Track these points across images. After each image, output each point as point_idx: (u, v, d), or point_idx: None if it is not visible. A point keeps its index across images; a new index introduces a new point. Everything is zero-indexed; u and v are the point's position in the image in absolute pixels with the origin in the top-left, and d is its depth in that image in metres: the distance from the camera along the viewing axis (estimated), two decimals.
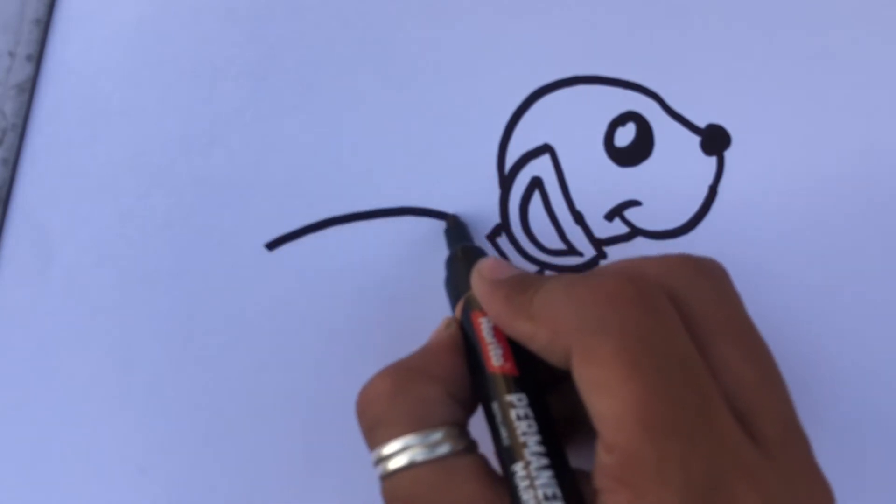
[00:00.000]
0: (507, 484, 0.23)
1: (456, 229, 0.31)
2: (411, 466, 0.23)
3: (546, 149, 0.33)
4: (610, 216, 0.32)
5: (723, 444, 0.21)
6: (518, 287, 0.25)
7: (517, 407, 0.23)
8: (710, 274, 0.25)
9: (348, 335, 0.31)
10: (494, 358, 0.25)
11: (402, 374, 0.25)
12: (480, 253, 0.29)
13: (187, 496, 0.31)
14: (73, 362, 0.31)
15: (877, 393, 0.32)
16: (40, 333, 0.31)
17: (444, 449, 0.23)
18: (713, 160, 0.33)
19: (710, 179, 0.33)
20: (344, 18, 0.33)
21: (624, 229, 0.32)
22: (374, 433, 0.24)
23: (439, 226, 0.32)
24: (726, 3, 0.33)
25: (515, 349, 0.25)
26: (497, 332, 0.25)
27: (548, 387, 0.25)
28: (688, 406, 0.21)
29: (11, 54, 0.32)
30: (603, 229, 0.32)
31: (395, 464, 0.24)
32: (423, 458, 0.23)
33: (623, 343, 0.22)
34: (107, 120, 0.32)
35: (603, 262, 0.32)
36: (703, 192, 0.32)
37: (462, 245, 0.30)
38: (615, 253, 0.32)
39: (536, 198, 0.32)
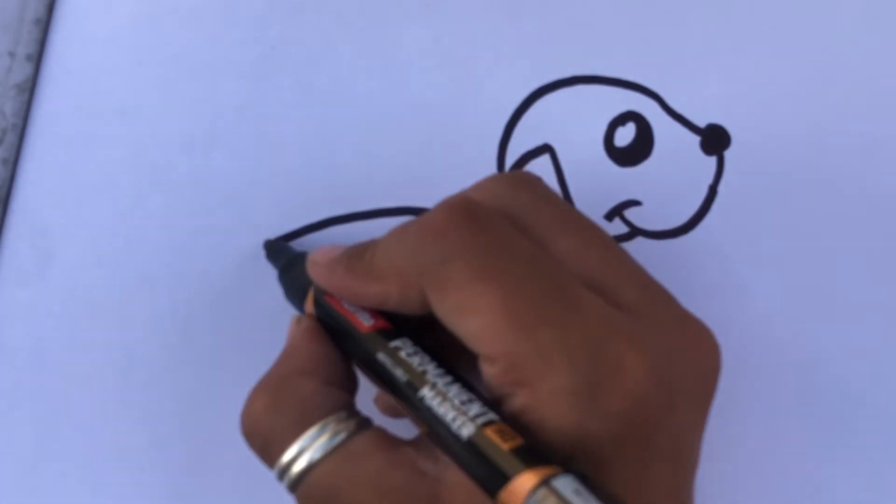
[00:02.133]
0: (417, 417, 0.23)
1: (275, 249, 0.31)
2: (312, 466, 0.23)
3: (546, 149, 0.33)
4: (610, 216, 0.32)
5: (591, 317, 0.22)
6: (354, 256, 0.25)
7: (403, 348, 0.24)
8: (526, 184, 0.25)
9: None
10: (364, 320, 0.25)
11: (274, 384, 0.25)
12: (305, 255, 0.29)
13: (187, 496, 0.31)
14: (73, 362, 0.31)
15: (877, 393, 0.32)
16: (40, 333, 0.31)
17: (339, 437, 0.23)
18: (713, 160, 0.33)
19: (710, 179, 0.33)
20: (344, 18, 0.33)
21: (624, 229, 0.32)
22: (268, 450, 0.24)
23: None
24: (726, 3, 0.33)
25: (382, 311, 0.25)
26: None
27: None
28: (547, 295, 0.22)
29: (11, 54, 0.32)
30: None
31: (297, 468, 0.23)
32: (321, 453, 0.23)
33: (468, 263, 0.22)
34: (107, 120, 0.32)
35: None
36: (703, 192, 0.32)
37: (286, 256, 0.30)
38: None
39: None
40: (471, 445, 0.22)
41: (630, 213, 0.32)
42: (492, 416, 0.22)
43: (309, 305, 0.27)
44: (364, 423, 0.24)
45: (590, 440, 0.21)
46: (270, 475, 0.31)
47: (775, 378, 0.31)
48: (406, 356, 0.24)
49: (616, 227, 0.32)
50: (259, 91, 0.33)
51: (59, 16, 0.33)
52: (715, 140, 0.33)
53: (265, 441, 0.24)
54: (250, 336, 0.32)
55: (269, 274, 0.31)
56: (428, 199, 0.32)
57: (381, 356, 0.24)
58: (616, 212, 0.32)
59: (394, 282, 0.24)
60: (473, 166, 0.32)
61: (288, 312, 0.32)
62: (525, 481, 0.21)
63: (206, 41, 0.33)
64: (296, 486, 0.23)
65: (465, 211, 0.23)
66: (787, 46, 0.33)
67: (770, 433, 0.31)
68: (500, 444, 0.21)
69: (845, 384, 0.32)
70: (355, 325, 0.25)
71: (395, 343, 0.24)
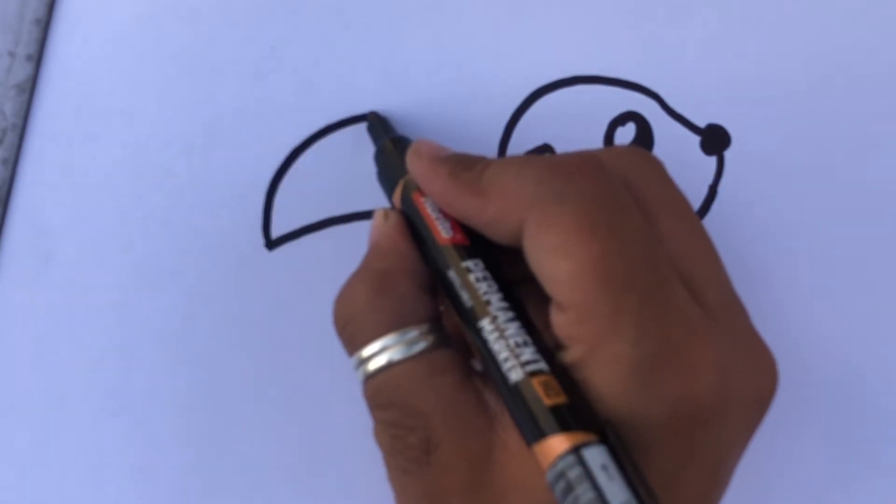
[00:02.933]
0: (474, 347, 0.23)
1: (379, 124, 0.30)
2: (391, 365, 0.24)
3: (546, 149, 0.33)
4: None
5: (674, 303, 0.22)
6: (463, 163, 0.25)
7: (474, 271, 0.23)
8: (652, 162, 0.26)
9: None
10: (444, 231, 0.24)
11: (377, 278, 0.25)
12: (410, 143, 0.28)
13: (187, 496, 0.31)
14: (73, 362, 0.31)
15: (877, 393, 0.32)
16: (40, 333, 0.31)
17: (421, 345, 0.24)
18: (713, 160, 0.33)
19: (710, 179, 0.33)
20: (344, 18, 0.33)
21: None
22: (354, 339, 0.25)
23: None
24: (726, 3, 0.33)
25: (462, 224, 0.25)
26: (441, 208, 0.25)
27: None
28: (643, 266, 0.22)
29: (11, 54, 0.32)
30: None
31: (375, 364, 0.24)
32: (402, 356, 0.24)
33: (583, 208, 0.22)
34: (107, 120, 0.32)
35: None
36: (703, 192, 0.32)
37: (390, 136, 0.29)
38: None
39: None
40: (516, 391, 0.21)
41: None
42: (542, 365, 0.22)
43: (397, 197, 0.26)
44: (447, 341, 0.24)
45: (635, 416, 0.21)
46: (270, 474, 0.31)
47: None
48: (475, 280, 0.23)
49: None
50: (259, 91, 0.33)
51: (59, 16, 0.33)
52: (715, 140, 0.33)
53: (354, 328, 0.25)
54: (250, 336, 0.32)
55: (270, 274, 0.31)
56: None
57: (452, 274, 0.24)
58: None
59: (498, 202, 0.23)
60: None
61: (287, 315, 0.32)
62: (557, 444, 0.20)
63: (206, 41, 0.33)
64: (369, 378, 0.24)
65: (593, 167, 0.23)
66: (787, 46, 0.33)
67: (769, 432, 0.31)
68: (543, 399, 0.21)
69: (846, 383, 0.32)
70: (434, 234, 0.25)
71: (467, 263, 0.24)
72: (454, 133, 0.33)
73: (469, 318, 0.23)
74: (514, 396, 0.21)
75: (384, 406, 0.24)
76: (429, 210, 0.25)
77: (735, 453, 0.24)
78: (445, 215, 0.25)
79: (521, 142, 0.33)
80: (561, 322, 0.22)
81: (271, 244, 0.32)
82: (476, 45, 0.33)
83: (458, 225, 0.25)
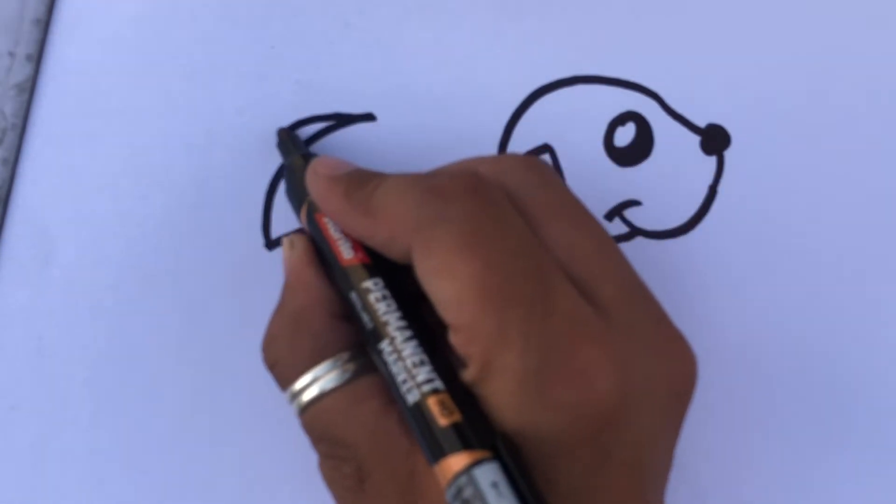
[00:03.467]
0: (380, 368, 0.23)
1: (289, 140, 0.30)
2: (321, 397, 0.25)
3: (546, 149, 0.33)
4: (610, 216, 0.32)
5: (560, 307, 0.22)
6: (357, 183, 0.25)
7: (374, 291, 0.24)
8: (533, 166, 0.26)
9: None
10: (345, 251, 0.25)
11: (289, 316, 0.26)
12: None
13: (187, 496, 0.31)
14: (73, 362, 0.31)
15: (877, 393, 0.32)
16: (40, 333, 0.31)
17: (344, 375, 0.24)
18: (713, 160, 0.33)
19: (710, 179, 0.33)
20: (344, 18, 0.33)
21: (624, 229, 0.32)
22: (284, 377, 0.26)
23: None
24: (726, 3, 0.33)
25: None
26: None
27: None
28: (525, 277, 0.22)
29: (11, 54, 0.32)
30: None
31: (307, 396, 0.25)
32: (329, 387, 0.24)
33: (461, 229, 0.23)
34: (107, 120, 0.32)
35: None
36: (703, 192, 0.32)
37: (300, 153, 0.29)
38: None
39: None
40: (416, 411, 0.22)
41: (630, 213, 0.32)
42: (437, 384, 0.22)
43: (302, 217, 0.27)
44: (368, 366, 0.25)
45: (534, 428, 0.21)
46: (270, 474, 0.31)
47: (775, 378, 0.31)
48: (374, 301, 0.24)
49: (616, 227, 0.32)
50: (259, 91, 0.33)
51: (59, 16, 0.33)
52: (715, 140, 0.33)
53: (282, 369, 0.26)
54: (250, 336, 0.31)
55: (270, 273, 0.31)
56: None
57: (353, 295, 0.24)
58: (616, 212, 0.32)
59: (385, 224, 0.24)
60: None
61: None
62: (454, 463, 0.21)
63: (206, 41, 0.33)
64: (303, 412, 0.25)
65: (470, 181, 0.24)
66: (787, 46, 0.33)
67: (770, 433, 0.31)
68: (438, 418, 0.21)
69: (846, 384, 0.32)
70: (336, 255, 0.25)
71: (367, 283, 0.24)
72: (454, 133, 0.33)
73: (371, 340, 0.24)
74: (414, 417, 0.22)
75: (318, 439, 0.25)
76: (331, 231, 0.26)
77: (658, 448, 0.23)
78: (348, 235, 0.25)
79: (521, 142, 0.33)
80: (455, 341, 0.22)
81: (271, 244, 0.32)
82: (476, 45, 0.33)
83: (360, 244, 0.25)
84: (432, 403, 0.22)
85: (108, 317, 0.31)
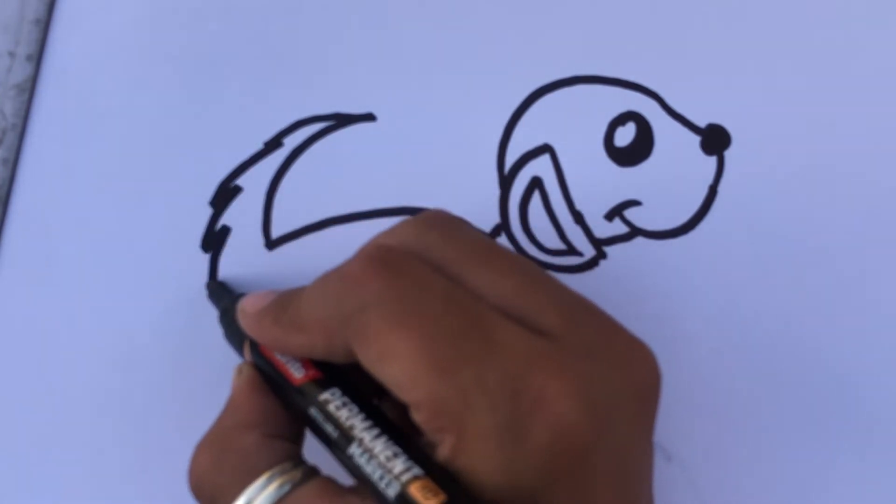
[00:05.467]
0: (350, 473, 0.23)
1: (218, 288, 0.31)
2: None
3: (546, 149, 0.33)
4: (610, 216, 0.32)
5: (509, 350, 0.22)
6: (281, 306, 0.25)
7: (332, 401, 0.24)
8: (436, 223, 0.25)
9: None
10: (296, 372, 0.25)
11: (217, 439, 0.25)
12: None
13: (187, 496, 0.31)
14: (73, 362, 0.31)
15: (877, 393, 0.32)
16: (40, 333, 0.31)
17: (283, 489, 0.23)
18: (713, 160, 0.33)
19: (710, 179, 0.33)
20: (344, 19, 0.33)
21: (624, 229, 0.32)
22: (212, 502, 0.24)
23: None
24: (726, 3, 0.33)
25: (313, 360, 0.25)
26: None
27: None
28: (464, 333, 0.22)
29: (11, 54, 0.32)
30: (603, 229, 0.32)
31: None
32: (270, 502, 0.23)
33: (384, 310, 0.22)
34: (107, 120, 0.32)
35: (603, 262, 0.32)
36: (703, 192, 0.32)
37: (230, 298, 0.29)
38: (615, 253, 0.32)
39: (536, 198, 0.32)
40: (399, 503, 0.22)
41: (630, 213, 0.32)
42: (416, 471, 0.22)
43: (246, 353, 0.27)
44: (310, 473, 0.24)
45: (520, 478, 0.21)
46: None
47: (775, 378, 0.31)
48: (335, 409, 0.23)
49: (616, 227, 0.32)
50: (260, 91, 0.33)
51: (59, 16, 0.33)
52: (715, 140, 0.33)
53: (212, 497, 0.24)
54: None
55: (270, 273, 0.31)
56: (428, 199, 0.32)
57: (313, 411, 0.24)
58: (616, 212, 0.32)
59: (318, 333, 0.24)
60: (473, 166, 0.32)
61: None
62: None
63: (206, 41, 0.33)
64: None
65: (379, 258, 0.23)
66: (787, 46, 0.33)
67: (770, 433, 0.31)
68: (423, 503, 0.21)
69: (846, 384, 0.32)
70: (287, 377, 0.25)
71: (324, 395, 0.24)
72: (454, 133, 0.33)
73: (338, 447, 0.23)
74: None
75: None
76: (278, 357, 0.25)
77: (638, 450, 0.23)
78: (295, 357, 0.25)
79: (521, 142, 0.33)
80: (421, 420, 0.22)
81: (271, 244, 0.32)
82: (476, 45, 0.33)
83: (309, 361, 0.25)
84: (415, 490, 0.21)
85: (108, 317, 0.31)
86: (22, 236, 0.32)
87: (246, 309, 0.26)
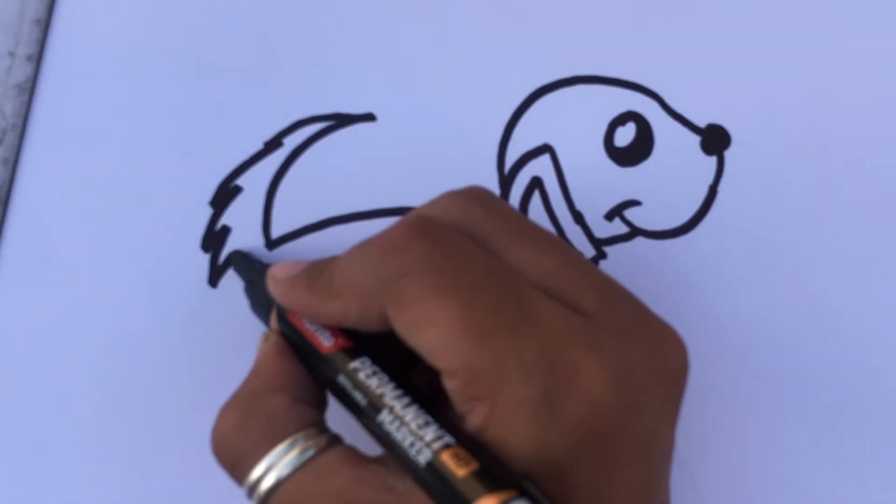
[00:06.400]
0: (379, 441, 0.23)
1: (242, 260, 0.31)
2: (280, 482, 0.23)
3: (546, 149, 0.33)
4: (610, 216, 0.32)
5: (547, 324, 0.22)
6: (314, 273, 0.25)
7: (362, 369, 0.24)
8: (478, 198, 0.25)
9: None
10: (325, 340, 0.25)
11: (243, 401, 0.25)
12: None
13: (187, 496, 0.31)
14: (74, 362, 0.31)
15: (877, 393, 0.32)
16: (40, 333, 0.31)
17: (307, 453, 0.23)
18: (713, 160, 0.33)
19: (710, 179, 0.33)
20: (344, 19, 0.33)
21: (624, 229, 0.32)
22: (238, 468, 0.24)
23: None
24: (726, 4, 0.33)
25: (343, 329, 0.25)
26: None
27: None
28: (504, 305, 0.22)
29: (11, 54, 0.32)
30: (603, 229, 0.32)
31: (265, 485, 0.23)
32: (289, 469, 0.23)
33: (425, 276, 0.22)
34: (107, 120, 0.32)
35: (603, 262, 0.32)
36: (703, 192, 0.32)
37: (255, 268, 0.29)
38: (615, 253, 0.32)
39: (536, 198, 0.32)
40: (429, 470, 0.21)
41: (630, 213, 0.32)
42: (448, 439, 0.22)
43: (273, 321, 0.27)
44: (334, 440, 0.24)
45: (551, 451, 0.21)
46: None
47: (774, 378, 0.31)
48: (365, 378, 0.23)
49: (616, 227, 0.32)
50: (260, 91, 0.33)
51: (59, 16, 0.33)
52: (715, 140, 0.33)
53: (234, 459, 0.24)
54: (252, 335, 0.31)
55: None
56: (428, 199, 0.32)
57: (342, 379, 0.24)
58: (616, 212, 0.32)
59: (353, 299, 0.24)
60: (473, 166, 0.32)
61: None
62: None
63: (206, 41, 0.33)
64: (265, 503, 0.23)
65: (422, 227, 0.23)
66: (787, 46, 0.33)
67: (769, 433, 0.31)
68: (455, 470, 0.21)
69: (845, 384, 0.32)
70: (315, 346, 0.25)
71: (354, 364, 0.24)
72: (454, 133, 0.33)
73: (368, 415, 0.23)
74: (430, 476, 0.22)
75: None
76: (306, 325, 0.25)
77: (664, 434, 0.24)
78: (324, 325, 0.25)
79: (521, 142, 0.33)
80: (454, 388, 0.22)
81: (271, 244, 0.32)
82: (476, 45, 0.33)
83: (338, 330, 0.25)
84: (447, 458, 0.21)
85: (108, 317, 0.31)
86: (22, 236, 0.32)
87: (277, 275, 0.26)
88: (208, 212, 0.32)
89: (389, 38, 0.33)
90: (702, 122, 0.33)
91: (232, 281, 0.32)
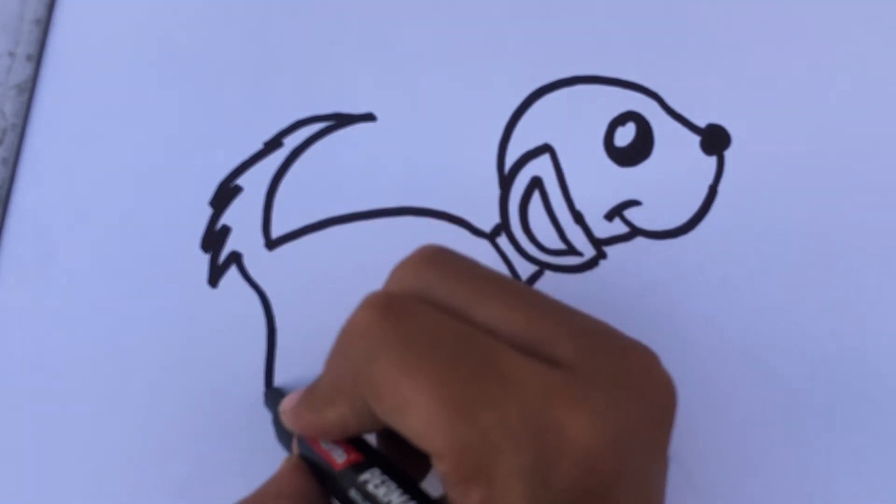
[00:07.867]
0: None
1: (274, 396, 0.31)
2: None
3: (546, 148, 0.33)
4: (610, 216, 0.32)
5: (525, 386, 0.21)
6: (310, 391, 0.25)
7: (371, 480, 0.24)
8: (431, 261, 0.24)
9: None
10: (337, 457, 0.25)
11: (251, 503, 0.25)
12: None
13: (187, 496, 0.31)
14: (73, 362, 0.31)
15: (877, 393, 0.32)
16: (40, 333, 0.31)
17: None
18: (713, 160, 0.33)
19: (710, 179, 0.33)
20: (344, 19, 0.33)
21: (624, 229, 0.32)
22: None
23: (439, 226, 0.32)
24: (726, 4, 0.33)
25: (357, 443, 0.25)
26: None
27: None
28: (480, 374, 0.21)
29: (11, 54, 0.32)
30: (603, 229, 0.32)
31: None
32: None
33: (393, 359, 0.22)
34: (107, 120, 0.32)
35: (603, 262, 0.32)
36: (703, 192, 0.32)
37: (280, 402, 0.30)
38: (615, 252, 0.32)
39: (536, 197, 0.32)
40: None
41: (630, 213, 0.32)
42: None
43: (294, 448, 0.27)
44: None
45: None
46: (270, 473, 0.31)
47: (774, 377, 0.31)
48: (373, 488, 0.24)
49: (616, 227, 0.32)
50: (260, 91, 0.33)
51: (59, 16, 0.33)
52: (715, 140, 0.33)
53: None
54: (252, 336, 0.32)
55: (270, 273, 0.31)
56: (428, 199, 0.32)
57: (353, 493, 0.24)
58: (616, 212, 0.32)
59: (342, 400, 0.23)
60: (473, 166, 0.32)
61: (287, 315, 0.32)
62: None
63: (206, 41, 0.33)
64: None
65: (381, 305, 0.23)
66: (787, 46, 0.33)
67: (770, 432, 0.31)
68: None
69: (846, 383, 0.32)
70: (330, 463, 0.25)
71: (364, 476, 0.24)
72: (454, 133, 0.33)
73: None
74: None
75: None
76: (322, 446, 0.26)
77: (653, 472, 0.23)
78: (338, 442, 0.25)
79: (521, 142, 0.33)
80: (446, 471, 0.21)
81: (271, 244, 0.32)
82: (476, 45, 0.33)
83: (351, 445, 0.25)
84: None
85: (108, 317, 0.31)
86: (22, 236, 0.32)
87: (285, 407, 0.26)
88: (208, 212, 0.32)
89: (389, 38, 0.33)
90: (702, 122, 0.33)
91: (232, 281, 0.32)
